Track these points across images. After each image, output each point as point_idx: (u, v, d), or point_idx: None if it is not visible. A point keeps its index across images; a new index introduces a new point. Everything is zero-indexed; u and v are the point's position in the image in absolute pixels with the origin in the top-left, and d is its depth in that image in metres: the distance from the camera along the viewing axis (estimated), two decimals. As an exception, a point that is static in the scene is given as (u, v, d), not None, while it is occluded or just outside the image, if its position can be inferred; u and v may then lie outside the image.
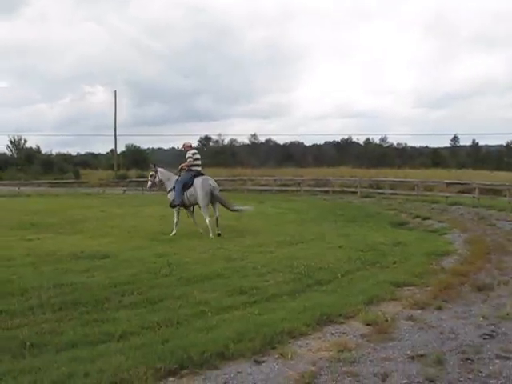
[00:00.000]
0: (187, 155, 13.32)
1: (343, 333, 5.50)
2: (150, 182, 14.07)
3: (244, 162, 59.77)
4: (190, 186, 13.17)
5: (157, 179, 13.87)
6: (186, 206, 13.53)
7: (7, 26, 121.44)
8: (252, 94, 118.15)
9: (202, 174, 13.34)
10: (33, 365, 4.46)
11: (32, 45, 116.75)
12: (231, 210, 13.79)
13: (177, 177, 13.54)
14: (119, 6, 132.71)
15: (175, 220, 13.18)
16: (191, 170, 13.31)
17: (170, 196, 13.55)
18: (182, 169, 13.54)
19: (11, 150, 68.13)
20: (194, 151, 13.51)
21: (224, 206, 13.62)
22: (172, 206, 13.50)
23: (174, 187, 13.40)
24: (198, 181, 13.18)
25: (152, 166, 14.27)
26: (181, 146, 13.98)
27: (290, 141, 78.66)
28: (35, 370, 4.34)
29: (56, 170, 54.28)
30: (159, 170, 13.93)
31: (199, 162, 13.47)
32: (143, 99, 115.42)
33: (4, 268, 8.49)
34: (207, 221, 12.82)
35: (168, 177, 13.75)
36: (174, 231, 12.95)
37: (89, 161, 70.74)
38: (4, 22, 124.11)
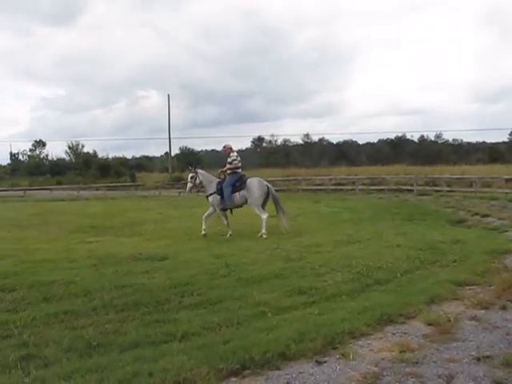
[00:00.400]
0: (231, 158, 13.39)
1: (405, 333, 5.40)
2: (190, 184, 13.78)
3: (297, 161, 59.69)
4: (241, 188, 13.28)
5: (197, 181, 13.66)
6: (229, 208, 13.58)
7: (65, 34, 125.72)
8: (303, 95, 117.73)
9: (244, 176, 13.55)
10: (99, 364, 4.56)
11: (88, 52, 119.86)
12: (281, 213, 13.65)
13: (218, 180, 13.48)
14: (171, 11, 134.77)
15: (225, 222, 13.40)
16: (236, 173, 13.40)
17: (213, 199, 13.37)
18: (223, 172, 13.59)
19: (70, 155, 70.31)
20: (236, 154, 13.60)
21: (278, 206, 13.61)
22: (224, 209, 13.57)
23: (217, 190, 13.30)
24: (253, 181, 13.42)
25: (191, 167, 14.03)
26: (223, 148, 13.97)
27: (342, 139, 78.10)
28: (101, 369, 4.45)
29: (112, 174, 55.58)
30: (199, 171, 13.83)
31: (240, 165, 13.63)
32: (196, 102, 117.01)
33: (67, 270, 8.74)
34: (264, 218, 12.92)
35: (209, 179, 13.60)
36: (230, 232, 13.11)
37: (144, 164, 72.16)
38: (62, 31, 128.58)
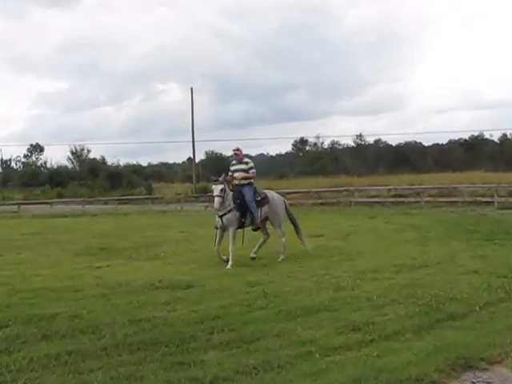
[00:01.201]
0: (249, 164, 13.35)
1: (488, 382, 5.30)
2: (219, 199, 12.71)
3: (349, 168, 59.57)
4: (265, 203, 13.47)
5: (227, 194, 12.98)
6: (256, 228, 13.61)
7: (66, 16, 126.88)
8: (356, 86, 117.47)
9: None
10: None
11: (95, 37, 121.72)
12: (300, 233, 14.23)
13: (230, 193, 13.12)
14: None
15: (231, 247, 12.84)
16: (251, 184, 13.39)
17: (233, 217, 12.91)
18: (231, 182, 13.34)
19: (73, 163, 71.54)
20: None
21: (296, 225, 14.28)
22: (258, 228, 13.57)
23: (236, 206, 12.97)
24: (274, 196, 13.87)
25: (214, 178, 13.19)
26: (234, 152, 13.74)
27: (404, 141, 77.61)
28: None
29: (125, 185, 56.31)
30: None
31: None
32: (225, 97, 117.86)
33: (71, 301, 8.84)
34: (285, 240, 13.53)
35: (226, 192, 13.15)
36: (231, 262, 12.64)
37: (162, 172, 73.15)
38: (62, 13, 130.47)
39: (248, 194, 13.18)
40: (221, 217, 12.95)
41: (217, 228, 13.18)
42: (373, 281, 9.88)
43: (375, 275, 10.39)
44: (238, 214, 13.00)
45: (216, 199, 12.73)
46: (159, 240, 17.72)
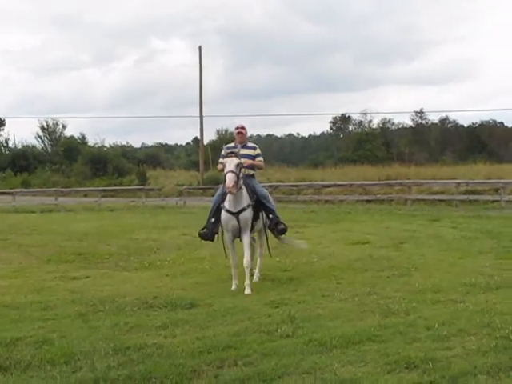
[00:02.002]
0: (258, 150, 13.19)
1: None
2: (234, 176, 11.98)
3: (404, 155, 59.36)
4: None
5: (241, 173, 12.48)
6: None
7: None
8: (414, 47, 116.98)
9: None
10: None
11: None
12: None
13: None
14: None
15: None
16: (252, 176, 13.24)
17: (250, 214, 12.47)
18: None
19: (43, 141, 71.72)
20: None
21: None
22: (283, 231, 13.32)
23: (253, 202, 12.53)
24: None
25: (228, 148, 12.71)
26: (237, 131, 13.27)
27: (479, 120, 77.05)
28: None
29: (111, 171, 56.42)
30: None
31: None
32: (244, 59, 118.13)
33: (39, 321, 8.91)
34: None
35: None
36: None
37: (160, 156, 73.32)
38: None
39: (258, 186, 13.05)
40: (235, 214, 12.27)
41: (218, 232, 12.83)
42: (434, 304, 9.82)
43: (437, 296, 10.33)
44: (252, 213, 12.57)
45: (229, 176, 11.85)
46: (154, 244, 17.83)
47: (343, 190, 38.45)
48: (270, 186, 40.32)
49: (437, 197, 34.31)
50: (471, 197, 33.06)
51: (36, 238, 19.84)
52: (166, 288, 11.35)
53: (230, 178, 11.77)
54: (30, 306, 9.96)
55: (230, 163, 12.00)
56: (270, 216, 12.93)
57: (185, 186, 44.32)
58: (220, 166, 12.63)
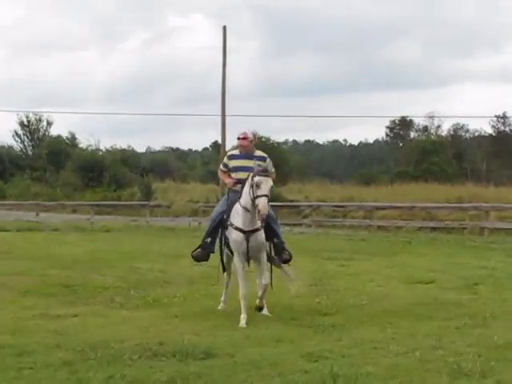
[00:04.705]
0: (268, 162, 13.56)
1: None
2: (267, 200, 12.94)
3: (480, 171, 59.09)
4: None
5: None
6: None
7: None
8: (501, 34, 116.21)
9: None
10: None
11: None
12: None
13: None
14: None
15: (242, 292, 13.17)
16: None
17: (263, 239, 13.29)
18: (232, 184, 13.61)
19: (22, 141, 71.93)
20: None
21: None
22: (287, 261, 13.84)
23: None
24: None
25: (260, 166, 13.19)
26: (242, 137, 13.61)
27: None
28: None
29: (107, 181, 56.59)
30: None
31: None
32: (281, 44, 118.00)
33: (12, 371, 8.86)
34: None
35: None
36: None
37: (171, 164, 73.48)
38: None
39: (268, 207, 13.13)
40: (248, 233, 12.90)
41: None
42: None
43: (523, 354, 10.24)
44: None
45: (265, 201, 12.49)
46: (161, 276, 17.84)
47: (402, 213, 38.36)
48: (309, 207, 40.43)
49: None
50: None
51: (10, 263, 19.83)
52: (174, 332, 11.29)
53: (265, 204, 12.44)
54: (2, 350, 9.94)
55: (266, 185, 12.58)
56: (275, 240, 13.40)
57: (200, 203, 44.31)
58: (229, 180, 13.49)
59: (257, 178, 12.59)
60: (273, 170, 13.61)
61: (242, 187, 13.08)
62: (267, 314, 13.29)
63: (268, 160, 13.54)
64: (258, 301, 13.22)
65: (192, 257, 14.07)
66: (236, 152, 13.81)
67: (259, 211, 12.41)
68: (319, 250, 24.97)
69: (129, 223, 38.03)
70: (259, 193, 12.42)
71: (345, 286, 14.38)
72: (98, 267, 19.42)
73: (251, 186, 12.62)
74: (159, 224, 37.51)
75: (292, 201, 46.38)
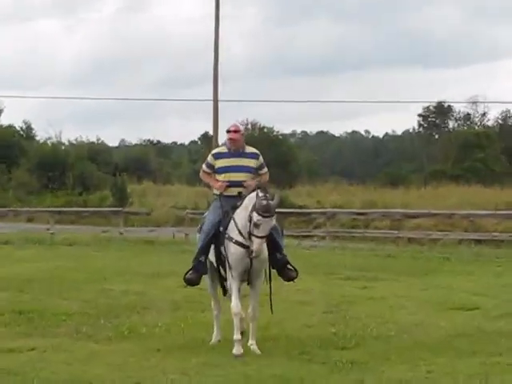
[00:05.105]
0: (260, 159, 14.01)
1: None
2: (263, 241, 13.37)
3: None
4: None
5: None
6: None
7: None
8: None
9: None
10: None
11: None
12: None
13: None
14: None
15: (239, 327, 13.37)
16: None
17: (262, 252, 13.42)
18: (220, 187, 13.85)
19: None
20: None
21: None
22: (292, 279, 14.12)
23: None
24: None
25: (264, 197, 13.13)
26: (233, 130, 13.88)
27: None
28: None
29: (71, 183, 56.68)
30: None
31: None
32: (287, 12, 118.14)
33: None
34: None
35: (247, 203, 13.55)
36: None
37: (150, 161, 73.57)
38: None
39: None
40: (249, 248, 13.11)
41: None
42: None
43: None
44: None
45: (260, 242, 12.93)
46: (138, 301, 17.86)
47: (438, 222, 38.40)
48: (323, 214, 40.40)
49: None
50: None
51: None
52: (155, 370, 11.28)
53: (260, 246, 12.88)
54: None
55: (265, 227, 12.90)
56: (277, 255, 13.61)
57: (187, 210, 44.22)
58: (219, 184, 13.72)
59: (256, 217, 12.79)
60: (265, 169, 13.99)
61: (242, 200, 13.32)
62: (256, 351, 13.23)
63: (260, 158, 13.85)
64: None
65: (184, 280, 14.13)
66: (223, 149, 14.00)
67: (251, 252, 12.74)
68: (335, 268, 25.00)
69: (98, 235, 38.03)
70: (256, 233, 12.74)
71: (367, 313, 14.35)
72: (60, 289, 19.41)
73: (249, 219, 12.89)
74: (136, 236, 37.53)
75: (301, 207, 46.36)
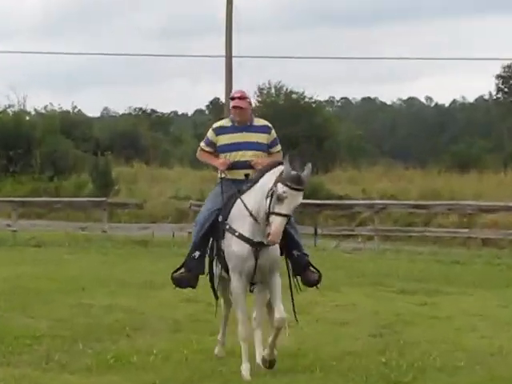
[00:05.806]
0: (273, 133, 14.25)
1: None
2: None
3: None
4: None
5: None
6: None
7: None
8: None
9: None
10: None
11: None
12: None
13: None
14: None
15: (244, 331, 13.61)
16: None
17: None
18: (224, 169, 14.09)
19: None
20: None
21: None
22: (314, 284, 14.35)
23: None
24: None
25: (293, 171, 13.36)
26: (237, 98, 14.13)
27: None
28: None
29: (39, 164, 56.84)
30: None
31: None
32: None
33: None
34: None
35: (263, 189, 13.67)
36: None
37: (142, 136, 73.83)
38: None
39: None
40: (257, 245, 13.40)
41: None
42: None
43: None
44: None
45: (279, 221, 13.01)
46: (127, 319, 17.86)
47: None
48: (369, 208, 40.45)
49: None
50: None
51: None
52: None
53: (280, 228, 12.95)
54: None
55: (291, 202, 13.07)
56: (295, 253, 13.84)
57: (191, 201, 44.22)
58: (220, 162, 14.01)
59: (281, 188, 12.83)
60: (278, 147, 14.21)
61: (254, 181, 13.47)
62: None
63: (273, 132, 14.05)
64: (266, 351, 13.39)
65: (172, 280, 14.15)
66: (226, 123, 14.17)
67: (268, 234, 12.74)
68: (386, 278, 25.03)
69: (74, 233, 38.17)
70: (278, 210, 12.80)
71: (428, 338, 14.37)
72: (25, 304, 19.45)
73: (269, 194, 12.92)
74: (124, 234, 37.68)
75: (341, 197, 46.42)
